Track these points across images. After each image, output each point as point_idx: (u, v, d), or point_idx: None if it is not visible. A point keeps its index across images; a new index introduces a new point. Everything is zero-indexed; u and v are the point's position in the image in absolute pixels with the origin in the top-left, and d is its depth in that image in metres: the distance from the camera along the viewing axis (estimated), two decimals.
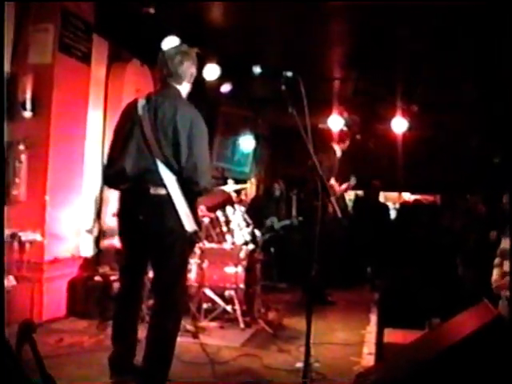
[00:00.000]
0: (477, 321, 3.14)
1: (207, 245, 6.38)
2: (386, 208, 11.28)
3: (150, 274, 4.27)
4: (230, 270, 6.24)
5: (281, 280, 8.75)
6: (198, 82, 4.22)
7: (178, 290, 3.90)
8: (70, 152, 6.19)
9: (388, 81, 9.02)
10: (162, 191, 3.69)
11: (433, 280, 5.66)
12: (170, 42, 6.71)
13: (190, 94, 4.09)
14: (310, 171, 3.81)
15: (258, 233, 6.88)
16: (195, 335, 5.42)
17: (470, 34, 6.73)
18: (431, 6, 5.88)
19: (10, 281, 5.16)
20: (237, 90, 9.11)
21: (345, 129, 8.11)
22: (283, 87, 3.76)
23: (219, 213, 6.53)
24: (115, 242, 6.24)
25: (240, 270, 6.22)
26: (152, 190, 3.70)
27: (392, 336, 4.37)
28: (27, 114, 5.72)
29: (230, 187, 6.75)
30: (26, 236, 5.40)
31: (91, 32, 6.40)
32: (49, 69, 5.83)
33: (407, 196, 14.32)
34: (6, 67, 5.64)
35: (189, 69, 3.99)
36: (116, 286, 5.85)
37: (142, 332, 3.94)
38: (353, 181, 7.92)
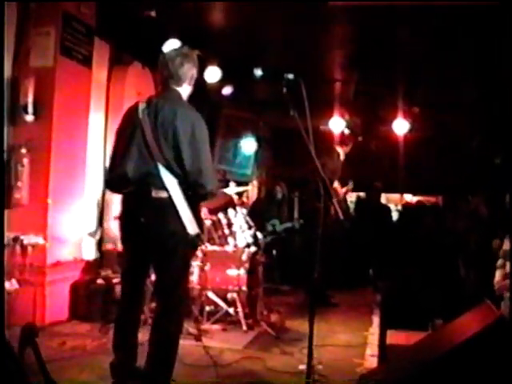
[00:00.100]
0: (479, 322, 3.14)
1: (209, 247, 6.38)
2: (387, 210, 11.27)
3: (152, 277, 4.27)
4: (233, 272, 6.23)
5: (283, 282, 8.74)
6: (200, 84, 4.22)
7: (181, 293, 3.90)
8: (72, 155, 6.20)
9: (389, 82, 9.02)
10: (164, 194, 3.69)
11: (435, 281, 5.66)
12: (171, 45, 6.72)
13: (192, 97, 4.08)
14: (311, 172, 3.81)
15: (259, 235, 6.87)
16: (198, 338, 5.41)
17: (470, 34, 6.73)
18: (431, 6, 5.88)
19: (12, 284, 5.16)
20: (238, 93, 9.12)
21: (347, 132, 8.12)
22: (284, 89, 3.76)
23: (221, 215, 6.54)
24: (117, 245, 6.24)
25: (242, 272, 6.21)
26: (154, 194, 3.69)
27: (395, 337, 4.36)
28: (29, 117, 5.73)
29: (232, 190, 6.76)
30: (29, 239, 5.40)
31: (92, 35, 6.41)
32: (50, 72, 5.84)
33: (409, 198, 14.30)
34: (8, 71, 5.65)
35: (189, 71, 3.98)
36: (118, 289, 5.84)
37: (144, 335, 3.94)
38: (350, 185, 8.02)
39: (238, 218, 6.62)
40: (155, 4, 6.32)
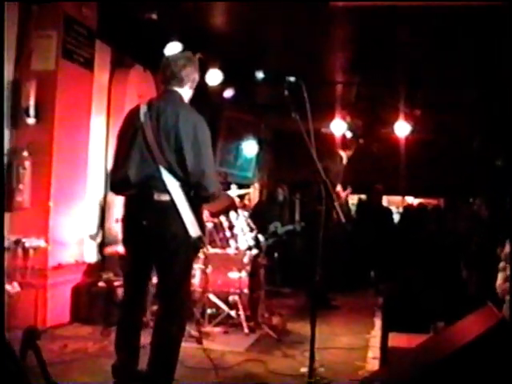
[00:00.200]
0: (481, 324, 3.13)
1: (211, 250, 6.38)
2: (389, 212, 11.27)
3: (154, 280, 4.28)
4: (234, 275, 6.24)
5: (284, 285, 8.75)
6: (201, 86, 4.23)
7: (182, 296, 3.90)
8: (74, 158, 6.20)
9: (390, 84, 9.02)
10: (166, 197, 3.69)
11: (437, 283, 5.65)
12: (172, 48, 6.73)
13: (193, 99, 4.09)
14: (313, 175, 3.80)
15: (261, 238, 6.88)
16: (199, 340, 5.41)
17: (470, 35, 6.73)
18: (431, 7, 5.89)
19: (14, 287, 5.16)
20: (239, 95, 9.12)
21: (350, 135, 8.14)
22: (286, 92, 3.76)
23: (223, 218, 6.54)
24: (119, 247, 6.24)
25: (244, 275, 6.22)
26: (156, 197, 3.69)
27: (396, 340, 4.36)
28: (31, 120, 5.73)
29: (234, 192, 6.76)
30: (30, 242, 5.40)
31: (94, 38, 6.42)
32: (52, 75, 5.85)
33: (410, 200, 14.30)
34: (10, 74, 5.66)
35: (192, 74, 3.99)
36: (120, 291, 5.86)
37: (146, 337, 3.94)
38: (349, 190, 8.13)
39: (240, 220, 6.63)
40: (156, 7, 6.33)
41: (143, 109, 3.85)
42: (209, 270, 6.13)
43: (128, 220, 3.93)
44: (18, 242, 5.30)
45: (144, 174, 3.72)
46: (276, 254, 8.44)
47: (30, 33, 5.84)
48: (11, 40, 5.62)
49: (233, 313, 6.05)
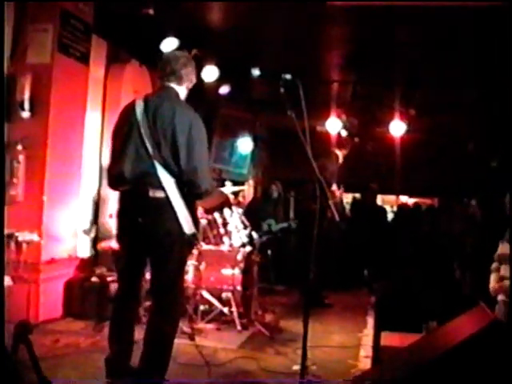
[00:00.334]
0: (474, 324, 3.14)
1: (204, 246, 6.37)
2: (383, 211, 11.27)
3: (147, 276, 4.27)
4: (227, 271, 6.23)
5: (278, 282, 8.74)
6: (197, 83, 4.23)
7: (176, 292, 3.90)
8: (68, 152, 6.19)
9: (386, 83, 9.03)
10: (161, 194, 3.69)
11: (430, 283, 5.66)
12: (169, 44, 6.73)
13: (189, 96, 4.09)
14: (308, 173, 3.80)
15: (255, 235, 6.87)
16: (192, 337, 5.41)
17: (467, 35, 6.74)
18: (429, 7, 5.89)
19: (6, 281, 5.15)
20: (235, 92, 9.12)
21: (344, 133, 8.15)
22: (282, 90, 3.75)
23: (217, 215, 6.53)
24: (112, 243, 6.23)
25: (237, 272, 6.21)
26: (151, 193, 3.69)
27: (389, 339, 4.37)
28: (25, 114, 5.72)
29: (228, 189, 6.75)
30: (23, 236, 5.38)
31: (90, 32, 6.40)
32: (47, 69, 5.83)
33: (405, 199, 14.33)
34: (5, 67, 5.63)
35: (191, 74, 4.02)
36: (113, 287, 5.85)
37: (138, 333, 3.93)
38: (342, 190, 8.14)
39: (234, 217, 6.62)
40: (153, 2, 6.31)
41: (139, 104, 3.84)
42: (202, 266, 6.13)
43: (123, 216, 3.93)
44: (11, 236, 5.27)
45: (139, 170, 3.72)
46: (270, 252, 8.44)
47: (25, 26, 5.83)
48: (7, 33, 5.59)
49: (226, 310, 6.05)
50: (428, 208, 12.08)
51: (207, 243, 6.53)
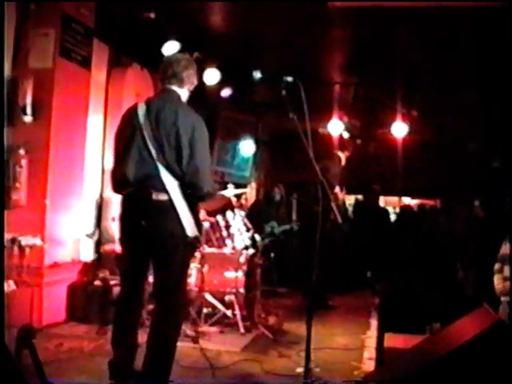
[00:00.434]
0: (477, 326, 3.13)
1: (207, 249, 6.37)
2: (385, 212, 11.27)
3: (150, 279, 4.27)
4: (230, 274, 6.23)
5: (281, 285, 8.74)
6: (198, 86, 4.23)
7: (179, 295, 3.90)
8: (71, 156, 6.19)
9: (388, 85, 9.03)
10: (164, 197, 3.69)
11: (434, 284, 5.65)
12: (170, 47, 6.73)
13: (190, 98, 4.10)
14: (311, 175, 3.80)
15: (258, 237, 6.87)
16: (195, 340, 5.40)
17: (469, 36, 6.74)
18: (430, 8, 5.89)
19: (9, 285, 5.15)
20: (237, 95, 9.12)
21: (346, 135, 8.15)
22: (283, 92, 3.76)
23: (219, 217, 6.53)
24: (115, 246, 6.24)
25: (240, 274, 6.21)
26: (154, 196, 3.69)
27: (392, 341, 4.36)
28: (27, 118, 5.72)
29: (230, 192, 6.75)
30: (26, 241, 5.38)
31: (91, 36, 6.40)
32: (49, 73, 5.84)
33: (407, 200, 14.31)
34: (7, 72, 5.64)
35: (192, 76, 4.03)
36: (116, 290, 5.85)
37: (142, 337, 3.93)
38: (344, 191, 8.16)
39: (236, 220, 6.62)
40: (154, 6, 6.32)
41: (141, 108, 3.85)
42: (205, 269, 6.13)
43: (126, 219, 3.93)
44: (14, 241, 5.28)
45: (142, 172, 3.72)
46: (272, 254, 8.44)
47: (27, 31, 5.83)
48: (9, 38, 5.60)
49: (229, 312, 6.04)
50: (430, 209, 12.07)
51: (210, 246, 6.53)
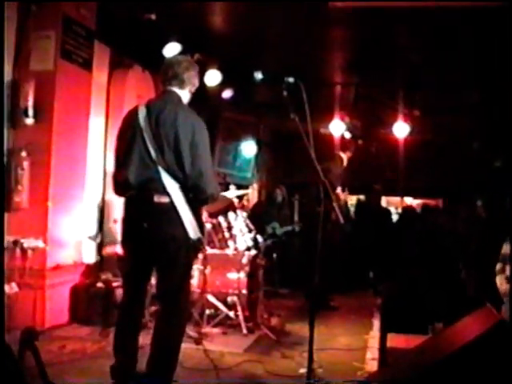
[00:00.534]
0: (480, 325, 3.13)
1: (209, 251, 6.37)
2: (387, 213, 11.27)
3: (153, 281, 4.27)
4: (233, 275, 6.23)
5: (283, 286, 8.74)
6: (200, 87, 4.23)
7: (183, 297, 3.89)
8: (72, 158, 6.19)
9: (389, 85, 9.03)
10: (166, 199, 3.69)
11: (437, 284, 5.65)
12: (171, 48, 6.74)
13: (192, 100, 4.09)
14: (313, 176, 3.80)
15: (260, 238, 6.87)
16: (198, 341, 5.40)
17: (470, 36, 6.74)
18: (431, 9, 5.89)
19: (12, 288, 5.16)
20: (238, 96, 9.12)
21: (348, 135, 8.14)
22: (285, 93, 3.76)
23: (221, 218, 6.53)
24: (118, 248, 6.24)
25: (242, 275, 6.21)
26: (156, 199, 3.69)
27: (395, 341, 4.36)
28: (29, 120, 5.72)
29: (232, 193, 6.75)
30: (29, 243, 5.40)
31: (93, 38, 6.41)
32: (51, 75, 5.84)
33: (409, 200, 14.31)
34: (8, 74, 5.65)
35: (193, 78, 4.02)
36: (118, 292, 5.86)
37: (144, 338, 3.93)
38: (346, 193, 8.17)
39: (238, 221, 6.62)
40: (155, 7, 6.32)
41: (141, 110, 3.85)
42: (207, 270, 6.12)
43: (128, 222, 3.93)
44: (16, 243, 5.29)
45: (143, 175, 3.72)
46: (275, 255, 8.44)
47: (28, 33, 5.83)
48: (10, 40, 5.61)
49: (231, 313, 6.04)
50: (433, 209, 12.05)
51: (212, 247, 6.53)
